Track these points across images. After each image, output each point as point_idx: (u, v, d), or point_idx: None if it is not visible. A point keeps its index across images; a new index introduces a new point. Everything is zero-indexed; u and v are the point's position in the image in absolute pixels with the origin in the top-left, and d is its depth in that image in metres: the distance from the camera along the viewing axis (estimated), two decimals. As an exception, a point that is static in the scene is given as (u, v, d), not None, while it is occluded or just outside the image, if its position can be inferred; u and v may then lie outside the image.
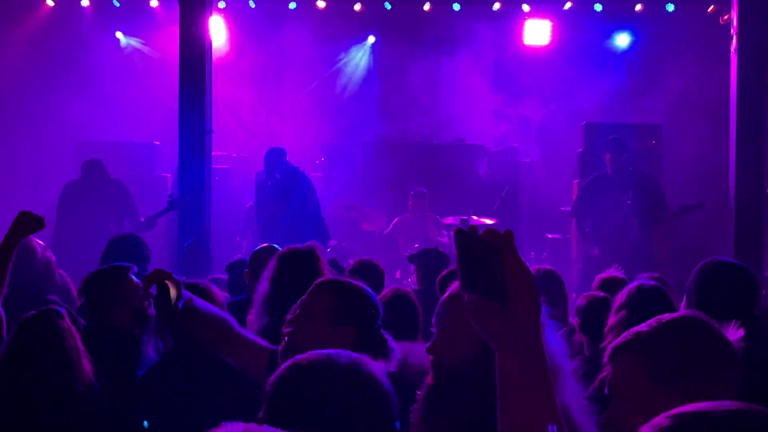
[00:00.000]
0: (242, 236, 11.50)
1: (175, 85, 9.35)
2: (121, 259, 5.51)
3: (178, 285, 3.28)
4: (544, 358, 1.55)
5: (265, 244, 5.79)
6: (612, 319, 3.94)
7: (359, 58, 14.12)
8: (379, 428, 2.01)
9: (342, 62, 14.05)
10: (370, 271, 5.56)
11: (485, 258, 1.50)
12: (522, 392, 1.53)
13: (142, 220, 9.63)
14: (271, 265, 4.20)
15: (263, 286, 4.13)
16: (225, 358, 3.42)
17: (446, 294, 2.81)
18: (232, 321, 3.42)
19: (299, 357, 2.08)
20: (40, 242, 5.23)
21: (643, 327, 2.13)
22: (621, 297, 3.97)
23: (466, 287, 1.52)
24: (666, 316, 2.16)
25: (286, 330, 3.21)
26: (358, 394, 2.00)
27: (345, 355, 2.10)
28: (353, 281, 3.29)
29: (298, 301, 3.22)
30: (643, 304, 3.88)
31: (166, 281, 3.25)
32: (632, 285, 4.03)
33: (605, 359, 2.15)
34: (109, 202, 9.67)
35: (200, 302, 3.39)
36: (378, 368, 2.10)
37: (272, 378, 2.05)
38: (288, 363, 2.07)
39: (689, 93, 11.97)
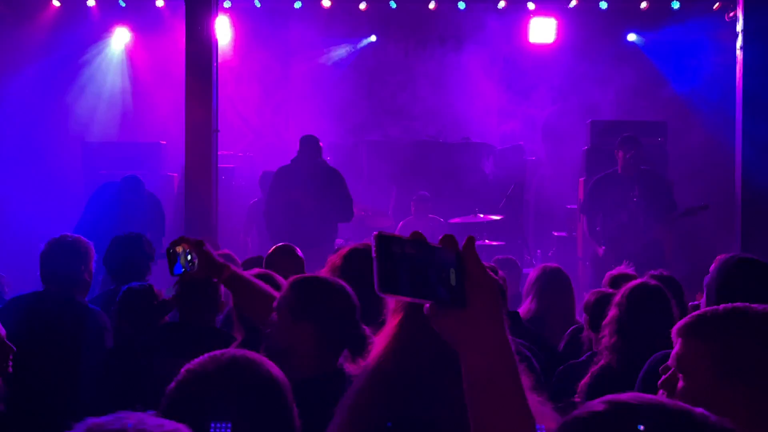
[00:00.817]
0: (246, 233, 11.51)
1: (181, 84, 9.36)
2: (124, 258, 5.53)
3: (200, 249, 3.37)
4: (512, 355, 1.55)
5: (282, 245, 5.79)
6: (608, 316, 3.96)
7: None
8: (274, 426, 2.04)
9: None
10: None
11: (437, 264, 1.51)
12: (489, 392, 1.53)
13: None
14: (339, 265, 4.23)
15: None
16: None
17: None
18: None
19: (194, 362, 2.15)
20: (94, 255, 5.15)
21: (716, 312, 2.07)
22: (618, 295, 3.97)
23: (385, 290, 1.49)
24: (740, 307, 2.07)
25: (265, 331, 3.24)
26: (250, 394, 2.07)
27: (239, 355, 2.15)
28: (326, 278, 3.26)
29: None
30: (638, 303, 3.89)
31: (185, 245, 3.36)
32: (631, 284, 4.03)
33: (673, 334, 2.11)
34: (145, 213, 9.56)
35: (244, 273, 3.45)
36: (273, 366, 2.15)
37: (172, 384, 2.12)
38: (185, 367, 2.14)
39: (695, 90, 11.97)
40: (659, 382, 2.09)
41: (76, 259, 4.96)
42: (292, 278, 3.30)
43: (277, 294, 3.39)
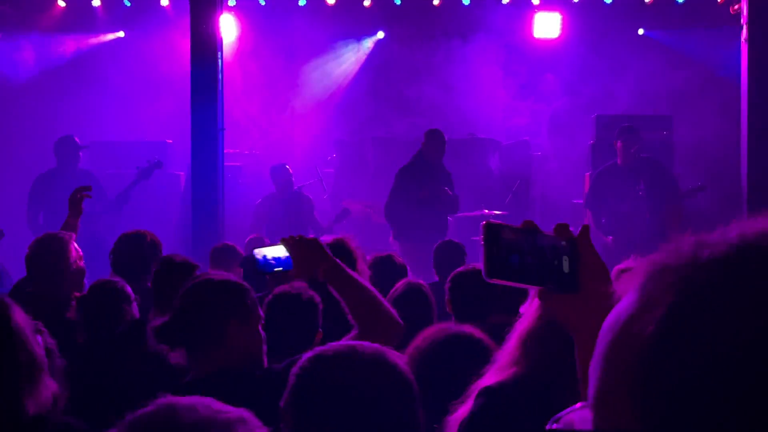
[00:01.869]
0: (253, 231, 11.52)
1: (187, 83, 9.39)
2: (130, 255, 5.54)
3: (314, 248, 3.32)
4: None
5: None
6: None
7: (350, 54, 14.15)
8: (402, 417, 2.02)
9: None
10: (387, 265, 5.59)
11: (550, 251, 1.58)
12: None
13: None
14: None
15: None
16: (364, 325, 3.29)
17: None
18: (375, 292, 3.35)
19: (324, 348, 2.10)
20: (79, 250, 5.22)
21: None
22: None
23: (493, 275, 1.55)
24: None
25: None
26: (380, 384, 2.01)
27: (368, 346, 2.11)
28: (227, 277, 3.23)
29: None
30: None
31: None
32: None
33: None
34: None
35: (346, 268, 3.33)
36: (401, 359, 2.11)
37: (295, 369, 2.06)
38: (311, 355, 2.08)
39: (700, 83, 11.95)
40: None
41: (55, 256, 5.04)
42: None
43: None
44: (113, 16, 13.29)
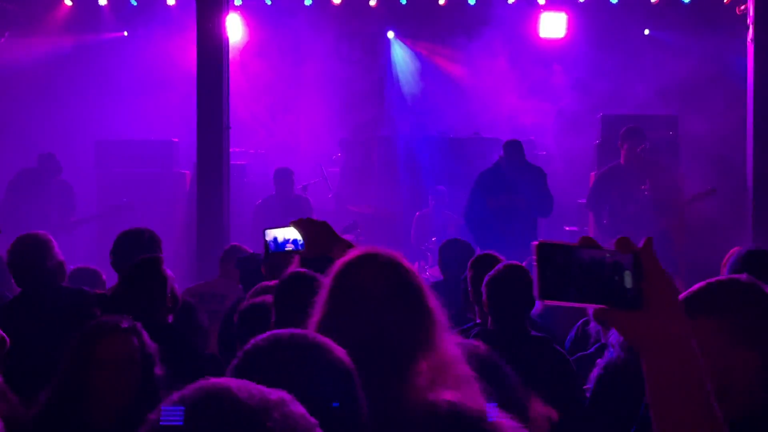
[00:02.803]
0: (254, 233, 11.51)
1: (193, 82, 9.40)
2: (130, 253, 5.54)
3: (330, 234, 3.42)
4: (696, 356, 1.54)
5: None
6: None
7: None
8: (340, 401, 2.02)
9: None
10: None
11: (610, 267, 1.53)
12: (673, 393, 1.52)
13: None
14: None
15: None
16: None
17: None
18: None
19: (260, 336, 2.10)
20: (55, 243, 5.29)
21: (713, 286, 2.14)
22: None
23: (546, 296, 1.52)
24: (735, 277, 2.17)
25: None
26: (316, 372, 2.01)
27: (303, 335, 2.12)
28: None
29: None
30: None
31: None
32: None
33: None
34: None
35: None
36: (335, 345, 2.11)
37: (250, 344, 2.07)
38: (268, 334, 2.09)
39: (706, 83, 11.94)
40: None
41: (36, 253, 5.07)
42: None
43: None
44: (120, 15, 13.32)
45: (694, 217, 10.07)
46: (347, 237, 10.27)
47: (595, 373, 4.02)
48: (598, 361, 4.02)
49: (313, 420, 1.38)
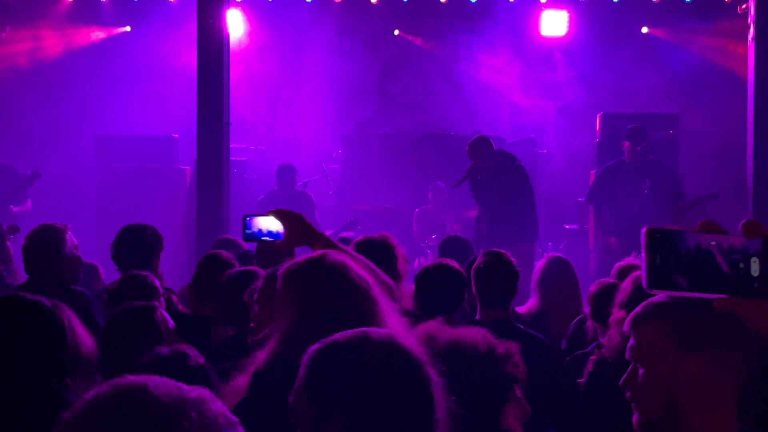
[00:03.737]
0: None
1: (193, 77, 9.40)
2: (132, 248, 5.56)
3: (302, 223, 3.43)
4: None
5: None
6: (616, 314, 3.86)
7: None
8: (416, 400, 2.00)
9: None
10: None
11: (735, 254, 1.44)
12: None
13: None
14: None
15: None
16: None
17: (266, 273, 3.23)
18: (369, 263, 3.43)
19: (337, 336, 2.07)
20: (74, 240, 5.28)
21: (661, 297, 2.04)
22: (624, 292, 3.83)
23: (657, 286, 1.44)
24: None
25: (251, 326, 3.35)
26: (394, 367, 1.99)
27: (378, 331, 2.10)
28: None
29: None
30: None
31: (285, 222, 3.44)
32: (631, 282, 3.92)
33: (625, 328, 2.11)
34: None
35: (341, 245, 3.47)
36: (412, 341, 2.09)
37: (307, 356, 2.04)
38: (326, 341, 2.05)
39: (706, 82, 11.94)
40: (620, 382, 2.08)
41: (49, 245, 5.08)
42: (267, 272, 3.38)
43: (369, 262, 3.41)
44: (120, 10, 13.32)
45: (694, 215, 10.07)
46: (348, 234, 10.33)
47: (586, 373, 4.01)
48: (591, 357, 4.01)
49: (233, 418, 1.33)
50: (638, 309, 2.08)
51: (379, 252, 4.25)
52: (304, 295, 2.67)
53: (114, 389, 1.31)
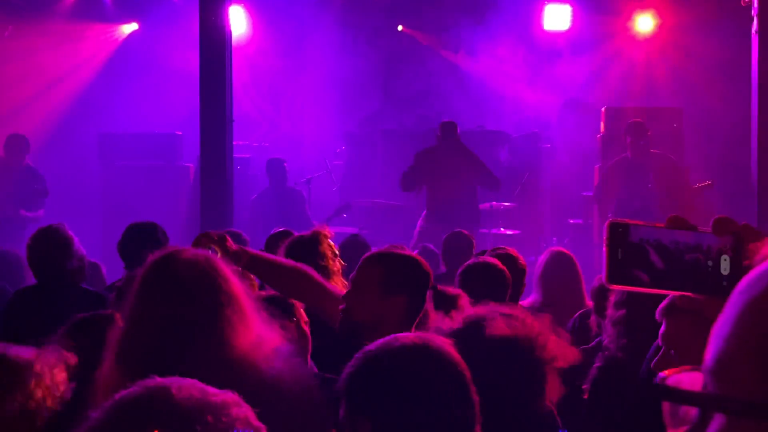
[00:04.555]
0: (251, 226, 11.44)
1: (196, 75, 9.40)
2: (137, 246, 5.56)
3: (222, 243, 3.49)
4: None
5: (281, 229, 5.91)
6: (615, 314, 3.84)
7: None
8: (457, 400, 2.00)
9: None
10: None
11: (702, 250, 1.38)
12: None
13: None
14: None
15: None
16: (308, 307, 3.55)
17: (368, 254, 3.24)
18: (310, 270, 3.55)
19: (369, 348, 2.07)
20: (74, 237, 5.27)
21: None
22: (624, 293, 3.77)
23: (616, 281, 1.39)
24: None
25: (340, 306, 3.31)
26: (431, 371, 2.00)
27: (411, 336, 2.10)
28: (405, 253, 3.37)
29: (350, 277, 3.33)
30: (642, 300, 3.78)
31: (211, 245, 3.46)
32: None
33: (657, 315, 2.11)
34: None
35: (268, 256, 3.57)
36: (445, 342, 2.09)
37: (346, 373, 2.05)
38: (359, 355, 2.06)
39: (710, 75, 11.91)
40: (652, 363, 2.10)
41: (56, 249, 5.05)
42: (369, 253, 3.41)
43: (301, 265, 3.50)
44: (123, 8, 13.32)
45: (698, 208, 10.05)
46: (340, 219, 10.42)
47: (591, 374, 3.99)
48: (596, 365, 3.99)
49: (257, 424, 1.35)
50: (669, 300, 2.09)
51: (307, 249, 4.33)
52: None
53: (139, 390, 1.35)
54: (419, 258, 3.39)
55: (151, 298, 2.59)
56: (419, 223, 10.08)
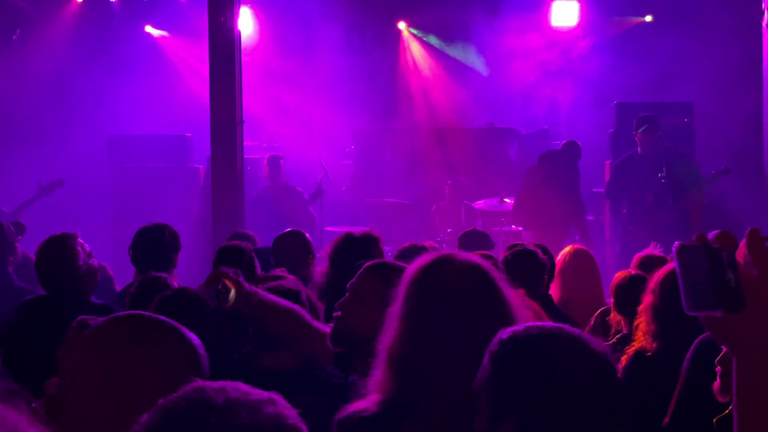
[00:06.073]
0: (250, 223, 11.40)
1: (206, 76, 9.40)
2: (149, 248, 5.54)
3: (237, 283, 3.47)
4: None
5: (290, 229, 5.90)
6: (645, 301, 3.87)
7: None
8: (604, 404, 1.91)
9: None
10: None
11: (713, 267, 1.39)
12: (762, 398, 1.40)
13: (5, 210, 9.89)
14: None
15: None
16: (297, 348, 3.63)
17: (366, 265, 3.18)
18: (302, 312, 3.60)
19: (520, 329, 1.96)
20: (86, 247, 5.16)
21: None
22: (651, 281, 3.85)
23: (694, 307, 1.40)
24: None
25: (335, 314, 3.25)
26: (582, 369, 1.89)
27: (569, 330, 1.99)
28: (400, 263, 3.26)
29: (348, 285, 3.26)
30: (672, 288, 3.79)
31: (225, 281, 3.46)
32: (664, 270, 3.90)
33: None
34: None
35: (268, 295, 3.56)
36: (599, 343, 1.99)
37: (492, 348, 1.94)
38: (507, 335, 1.95)
39: (721, 69, 11.85)
40: (717, 359, 2.05)
41: (61, 260, 4.98)
42: (369, 263, 3.33)
43: (295, 307, 3.59)
44: (131, 10, 13.32)
45: (711, 203, 10.01)
46: (314, 205, 10.59)
47: (622, 363, 3.98)
48: (626, 350, 3.98)
49: (297, 424, 1.36)
50: None
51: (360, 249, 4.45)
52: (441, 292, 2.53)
53: (177, 393, 1.37)
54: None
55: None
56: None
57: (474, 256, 2.53)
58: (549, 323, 2.00)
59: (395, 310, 2.47)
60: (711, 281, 1.37)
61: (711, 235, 1.43)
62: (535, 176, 10.25)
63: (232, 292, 3.46)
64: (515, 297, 2.47)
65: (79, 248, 4.94)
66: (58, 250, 4.89)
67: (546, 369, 1.87)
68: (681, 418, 3.49)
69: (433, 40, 13.80)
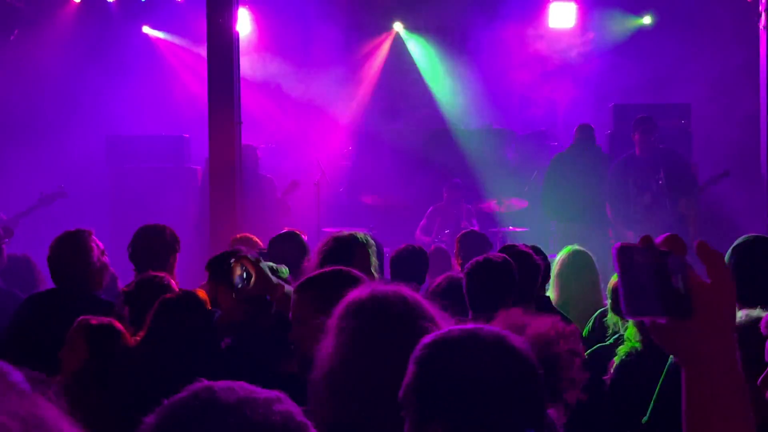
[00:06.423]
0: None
1: (204, 77, 9.40)
2: (147, 249, 5.56)
3: (257, 267, 3.55)
4: (740, 373, 1.37)
5: (286, 231, 5.92)
6: None
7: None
8: (527, 400, 1.94)
9: None
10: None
11: (658, 271, 1.34)
12: (711, 411, 1.37)
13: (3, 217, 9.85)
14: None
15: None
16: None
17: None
18: None
19: (442, 333, 1.99)
20: (100, 244, 5.23)
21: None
22: None
23: (634, 312, 1.36)
24: None
25: (289, 343, 3.19)
26: (503, 367, 1.92)
27: (489, 330, 2.00)
28: (331, 270, 3.19)
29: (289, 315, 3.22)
30: None
31: (246, 264, 3.55)
32: None
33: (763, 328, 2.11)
34: None
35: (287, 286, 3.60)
36: (522, 342, 2.01)
37: (416, 354, 1.97)
38: (430, 339, 1.97)
39: (718, 71, 11.87)
40: (759, 380, 2.06)
41: (76, 253, 5.02)
42: (300, 282, 3.24)
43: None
44: (128, 11, 13.31)
45: (708, 204, 10.03)
46: (288, 198, 10.64)
47: (612, 364, 4.01)
48: (617, 350, 4.01)
49: (303, 420, 1.38)
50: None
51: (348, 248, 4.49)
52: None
53: (185, 392, 1.39)
54: (351, 270, 3.17)
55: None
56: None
57: (401, 287, 2.54)
58: (470, 325, 2.03)
59: (329, 344, 2.49)
60: (655, 286, 1.33)
61: (659, 239, 1.38)
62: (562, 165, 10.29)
63: (253, 276, 3.49)
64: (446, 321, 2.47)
65: (94, 245, 5.05)
66: (74, 246, 5.01)
67: (467, 368, 1.90)
68: (660, 417, 3.51)
69: (431, 41, 13.80)
